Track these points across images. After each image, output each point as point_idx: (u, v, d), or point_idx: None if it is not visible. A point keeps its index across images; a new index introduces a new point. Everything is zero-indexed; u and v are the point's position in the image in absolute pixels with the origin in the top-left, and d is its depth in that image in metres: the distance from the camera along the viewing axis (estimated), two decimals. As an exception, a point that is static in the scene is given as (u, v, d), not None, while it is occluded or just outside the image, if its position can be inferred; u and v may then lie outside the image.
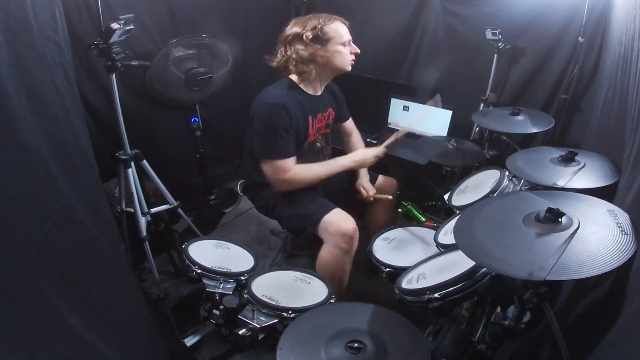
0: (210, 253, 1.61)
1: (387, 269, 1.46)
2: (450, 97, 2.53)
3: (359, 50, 1.67)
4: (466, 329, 1.37)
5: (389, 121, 2.68)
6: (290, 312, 1.29)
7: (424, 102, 2.47)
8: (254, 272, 1.51)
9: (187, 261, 1.50)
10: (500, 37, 2.11)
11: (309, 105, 1.67)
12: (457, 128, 2.38)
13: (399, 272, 1.38)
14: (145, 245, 1.82)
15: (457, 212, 1.55)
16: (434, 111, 2.41)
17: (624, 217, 0.89)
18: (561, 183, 1.22)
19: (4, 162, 0.74)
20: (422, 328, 1.40)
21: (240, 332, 1.30)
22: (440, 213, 2.40)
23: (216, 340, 1.74)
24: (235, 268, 1.53)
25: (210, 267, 1.49)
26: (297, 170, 1.65)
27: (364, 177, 1.92)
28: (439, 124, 2.42)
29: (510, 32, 2.15)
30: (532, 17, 2.15)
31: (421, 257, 1.40)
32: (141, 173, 1.88)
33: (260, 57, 1.71)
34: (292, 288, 1.45)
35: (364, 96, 2.62)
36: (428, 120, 2.47)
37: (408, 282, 1.28)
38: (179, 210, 2.06)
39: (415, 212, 2.33)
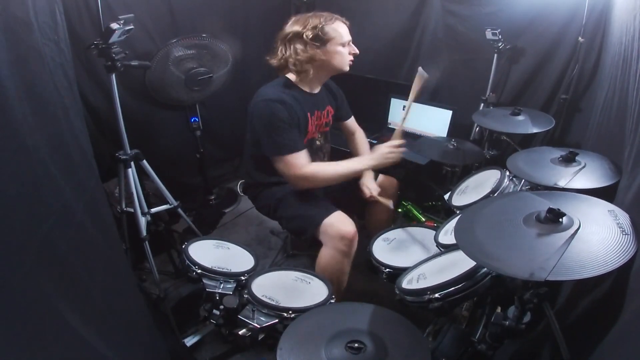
0: (210, 253, 1.61)
1: (387, 269, 1.46)
2: (450, 97, 2.53)
3: (357, 51, 1.67)
4: (466, 329, 1.37)
5: (389, 121, 2.68)
6: (290, 312, 1.29)
7: (424, 102, 2.48)
8: (254, 272, 1.51)
9: (187, 261, 1.50)
10: (500, 37, 2.11)
11: (306, 102, 1.66)
12: (457, 128, 2.38)
13: (399, 272, 1.38)
14: (145, 245, 1.82)
15: (458, 212, 1.55)
16: (432, 110, 2.41)
17: (624, 218, 0.89)
18: (562, 183, 1.22)
19: (4, 162, 0.73)
20: (422, 328, 1.40)
21: (240, 332, 1.30)
22: (440, 213, 2.40)
23: (216, 340, 1.74)
24: (235, 268, 1.53)
25: (210, 267, 1.49)
26: (315, 167, 1.62)
27: (368, 176, 1.89)
28: (439, 124, 2.42)
29: (510, 32, 2.15)
30: (532, 17, 2.15)
31: (421, 258, 1.40)
32: (141, 173, 1.88)
33: (260, 57, 1.71)
34: (292, 288, 1.45)
35: (364, 96, 2.62)
36: (429, 120, 2.47)
37: (408, 282, 1.28)
38: (179, 210, 2.06)
39: (415, 212, 2.33)
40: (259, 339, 1.31)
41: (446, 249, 1.36)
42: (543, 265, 0.77)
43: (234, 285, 1.47)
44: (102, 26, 1.91)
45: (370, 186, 1.85)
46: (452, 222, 1.50)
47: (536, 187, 1.33)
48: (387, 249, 1.61)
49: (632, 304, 0.80)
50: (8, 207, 0.73)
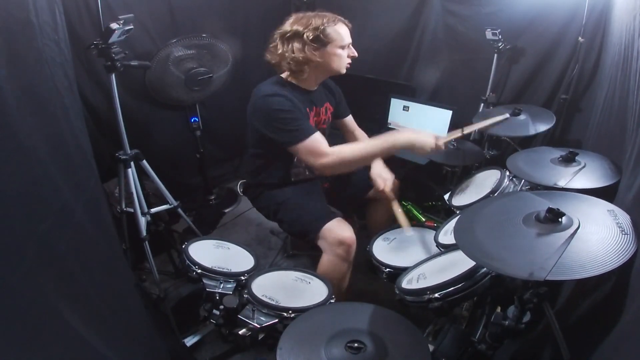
0: (210, 253, 1.61)
1: (387, 269, 1.46)
2: (450, 97, 2.53)
3: (356, 54, 1.66)
4: (466, 329, 1.37)
5: (389, 121, 2.68)
6: (290, 312, 1.29)
7: (424, 102, 2.48)
8: (254, 272, 1.51)
9: (187, 261, 1.50)
10: (500, 37, 2.11)
11: (304, 99, 1.65)
12: (457, 128, 2.37)
13: (399, 272, 1.38)
14: (145, 245, 1.82)
15: (457, 212, 1.55)
16: (432, 110, 2.41)
17: (624, 217, 0.89)
18: (561, 183, 1.22)
19: (2, 162, 0.74)
20: (422, 328, 1.40)
21: (240, 332, 1.30)
22: (440, 213, 2.40)
23: (216, 340, 1.74)
24: (235, 268, 1.53)
25: (210, 267, 1.49)
26: (340, 149, 1.53)
27: (379, 165, 1.81)
28: (439, 124, 2.41)
29: (510, 32, 2.15)
30: (532, 17, 2.15)
31: (421, 257, 1.40)
32: (141, 173, 1.88)
33: (260, 57, 1.71)
34: (292, 288, 1.45)
35: (364, 96, 2.62)
36: (429, 120, 2.47)
37: (408, 282, 1.28)
38: (179, 210, 2.06)
39: (415, 212, 2.33)
40: (259, 338, 1.31)
41: (446, 249, 1.36)
42: (543, 265, 0.77)
43: (234, 285, 1.47)
44: (102, 26, 1.91)
45: (385, 176, 1.77)
46: (452, 222, 1.50)
47: (536, 187, 1.33)
48: (387, 249, 1.61)
49: (633, 305, 0.80)
50: (7, 207, 0.73)
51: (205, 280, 1.46)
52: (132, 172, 1.78)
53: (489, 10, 2.25)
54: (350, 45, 1.64)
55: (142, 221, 1.82)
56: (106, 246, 1.22)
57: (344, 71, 1.66)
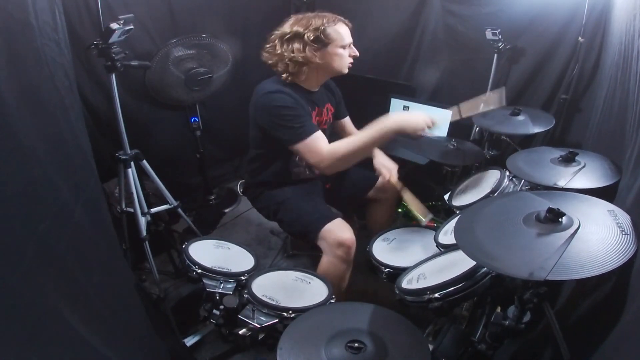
0: (210, 253, 1.61)
1: (387, 269, 1.46)
2: (450, 97, 2.52)
3: (358, 54, 1.65)
4: (466, 329, 1.37)
5: (389, 121, 2.67)
6: (290, 312, 1.29)
7: (424, 103, 2.47)
8: (254, 272, 1.51)
9: (187, 261, 1.50)
10: (500, 37, 2.11)
11: (306, 99, 1.64)
12: (457, 128, 2.37)
13: (399, 272, 1.38)
14: (145, 245, 1.82)
15: (457, 212, 1.55)
16: (432, 110, 2.41)
17: (624, 217, 0.89)
18: (561, 183, 1.22)
19: (1, 163, 0.74)
20: (422, 328, 1.40)
21: (240, 332, 1.30)
22: (440, 213, 2.40)
23: (216, 340, 1.73)
24: (235, 268, 1.53)
25: (210, 267, 1.49)
26: (334, 145, 1.52)
27: (381, 155, 1.82)
28: (439, 124, 2.41)
29: (510, 32, 2.15)
30: (532, 17, 2.15)
31: (421, 257, 1.40)
32: (141, 173, 1.88)
33: (260, 57, 1.71)
34: (292, 288, 1.45)
35: (364, 96, 2.62)
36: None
37: (408, 282, 1.28)
38: (179, 210, 2.06)
39: (415, 212, 2.33)
40: (259, 338, 1.31)
41: (446, 249, 1.36)
42: (543, 265, 0.77)
43: (234, 285, 1.47)
44: (102, 26, 1.91)
45: (388, 165, 1.78)
46: (452, 222, 1.50)
47: (536, 187, 1.33)
48: (387, 249, 1.61)
49: (633, 305, 0.80)
50: (6, 207, 0.73)
51: (205, 280, 1.46)
52: (132, 172, 1.78)
53: (489, 10, 2.25)
54: (352, 45, 1.64)
55: (142, 221, 1.82)
56: (106, 246, 1.22)
57: (346, 71, 1.66)
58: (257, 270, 1.54)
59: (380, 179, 1.95)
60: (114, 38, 1.54)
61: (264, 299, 1.34)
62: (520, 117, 1.87)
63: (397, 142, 2.50)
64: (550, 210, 0.88)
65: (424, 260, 1.37)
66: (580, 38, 2.01)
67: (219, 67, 2.26)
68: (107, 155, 1.91)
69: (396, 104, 2.61)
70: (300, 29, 1.54)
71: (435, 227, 1.69)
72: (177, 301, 1.87)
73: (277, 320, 1.30)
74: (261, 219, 1.98)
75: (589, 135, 1.71)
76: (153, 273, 1.87)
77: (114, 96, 1.65)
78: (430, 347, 1.20)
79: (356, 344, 1.02)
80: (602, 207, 0.95)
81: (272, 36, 1.62)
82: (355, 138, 1.53)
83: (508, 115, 1.89)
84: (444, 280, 1.12)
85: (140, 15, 2.06)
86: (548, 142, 2.22)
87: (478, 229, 0.95)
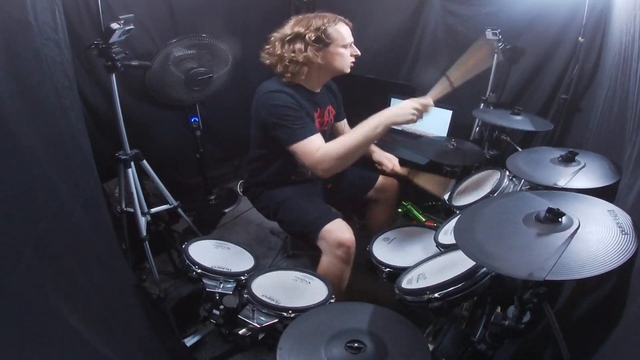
0: (210, 253, 1.61)
1: (387, 269, 1.46)
2: (450, 97, 2.51)
3: (359, 53, 1.66)
4: (466, 329, 1.37)
5: (389, 121, 2.67)
6: (290, 312, 1.29)
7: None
8: (254, 272, 1.51)
9: (187, 261, 1.50)
10: (500, 37, 2.11)
11: (308, 100, 1.65)
12: (457, 128, 2.37)
13: (399, 272, 1.38)
14: (145, 245, 1.82)
15: (457, 212, 1.55)
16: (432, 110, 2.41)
17: (624, 217, 0.89)
18: (561, 183, 1.22)
19: (-1, 162, 0.74)
20: (422, 328, 1.40)
21: (240, 332, 1.30)
22: (440, 213, 2.40)
23: (216, 340, 1.74)
24: (235, 268, 1.53)
25: (210, 267, 1.49)
26: (327, 147, 1.50)
27: (379, 150, 1.90)
28: (439, 124, 2.41)
29: (510, 32, 2.15)
30: (532, 17, 2.15)
31: (421, 257, 1.40)
32: (141, 173, 1.88)
33: (260, 57, 1.71)
34: (292, 288, 1.45)
35: (364, 96, 2.62)
36: (429, 120, 2.46)
37: (408, 282, 1.28)
38: (179, 210, 2.06)
39: (415, 212, 2.33)
40: (259, 338, 1.31)
41: (446, 249, 1.36)
42: (542, 265, 0.77)
43: (234, 285, 1.47)
44: (102, 26, 1.91)
45: (389, 156, 1.83)
46: (452, 222, 1.50)
47: (536, 187, 1.33)
48: (387, 249, 1.61)
49: (634, 305, 0.80)
50: (3, 207, 0.73)
51: (205, 280, 1.46)
52: (132, 172, 1.78)
53: (489, 10, 2.25)
54: (353, 44, 1.64)
55: (142, 221, 1.82)
56: (105, 246, 1.22)
57: (347, 70, 1.66)
58: (257, 270, 1.54)
59: (380, 179, 1.96)
60: (114, 38, 1.54)
61: (263, 299, 1.34)
62: (519, 117, 1.87)
63: (397, 142, 2.50)
64: (550, 210, 0.88)
65: (424, 260, 1.37)
66: (580, 38, 2.01)
67: (219, 67, 2.26)
68: (107, 155, 1.91)
69: (396, 103, 2.60)
70: (301, 30, 1.54)
71: (435, 227, 1.69)
72: (177, 301, 1.87)
73: (277, 320, 1.30)
74: (261, 218, 1.98)
75: (589, 135, 1.71)
76: (153, 273, 1.87)
77: (114, 96, 1.65)
78: (430, 347, 1.20)
79: (356, 344, 1.02)
80: (602, 207, 0.95)
81: (272, 38, 1.62)
82: (347, 137, 1.52)
83: (509, 114, 1.90)
84: (444, 280, 1.12)
85: (140, 15, 2.06)
86: (548, 142, 2.22)
87: (478, 229, 0.95)
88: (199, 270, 1.46)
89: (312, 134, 1.52)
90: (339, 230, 1.58)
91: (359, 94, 2.46)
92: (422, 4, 2.52)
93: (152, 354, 1.34)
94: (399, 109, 1.50)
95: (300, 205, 1.70)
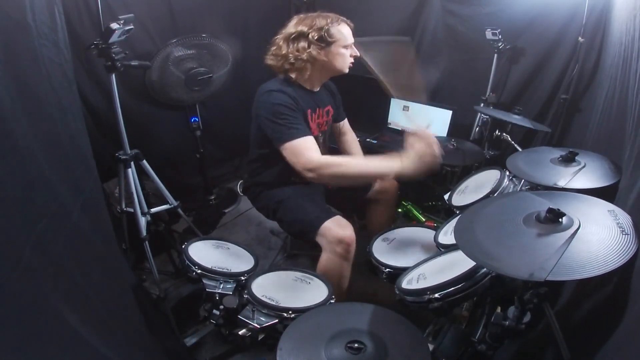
0: (210, 253, 1.61)
1: (387, 270, 1.46)
2: (450, 97, 2.53)
3: (358, 54, 1.67)
4: (466, 329, 1.37)
5: (389, 121, 2.68)
6: (290, 312, 1.29)
7: (424, 102, 2.47)
8: (254, 272, 1.51)
9: (187, 261, 1.50)
10: (500, 37, 2.11)
11: (307, 99, 1.66)
12: (457, 128, 2.38)
13: (399, 272, 1.38)
14: (145, 245, 1.82)
15: (457, 212, 1.55)
16: (432, 110, 2.42)
17: (624, 217, 0.89)
18: (561, 183, 1.22)
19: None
20: (422, 328, 1.40)
21: (240, 332, 1.30)
22: (440, 213, 2.40)
23: (216, 340, 1.73)
24: (235, 268, 1.53)
25: (210, 267, 1.48)
26: (328, 160, 1.49)
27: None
28: (439, 124, 2.41)
29: (510, 32, 2.15)
30: (532, 17, 2.15)
31: (421, 258, 1.40)
32: (141, 173, 1.88)
33: (260, 57, 1.71)
34: (292, 288, 1.45)
35: (364, 96, 2.62)
36: (429, 120, 2.47)
37: (408, 283, 1.28)
38: (179, 210, 2.06)
39: (415, 212, 2.33)
40: (259, 339, 1.31)
41: (446, 249, 1.36)
42: (543, 265, 0.77)
43: (234, 285, 1.47)
44: (102, 26, 1.91)
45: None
46: (452, 222, 1.50)
47: (536, 187, 1.33)
48: (387, 249, 1.61)
49: (636, 306, 0.80)
50: (2, 207, 0.73)
51: (205, 281, 1.46)
52: (132, 172, 1.78)
53: (489, 10, 2.25)
54: (353, 45, 1.65)
55: (142, 221, 1.82)
56: (104, 246, 1.22)
57: (346, 70, 1.68)
58: (257, 271, 1.53)
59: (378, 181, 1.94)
60: (114, 38, 1.54)
61: (263, 299, 1.34)
62: (519, 118, 1.87)
63: (397, 142, 2.50)
64: (550, 210, 0.87)
65: (424, 261, 1.36)
66: (580, 38, 2.01)
67: (219, 67, 2.26)
68: (107, 155, 1.91)
69: (396, 103, 2.61)
70: (305, 29, 1.57)
71: (435, 227, 1.69)
72: (177, 301, 1.87)
73: (277, 320, 1.30)
74: (261, 218, 1.98)
75: (589, 135, 1.71)
76: (153, 273, 1.87)
77: (114, 96, 1.65)
78: (430, 347, 1.20)
79: (356, 344, 1.02)
80: (602, 207, 0.95)
81: (277, 38, 1.64)
82: (353, 163, 1.53)
83: (509, 114, 1.90)
84: (444, 280, 1.12)
85: (140, 15, 2.05)
86: (548, 142, 2.22)
87: (478, 229, 0.95)
88: (199, 271, 1.46)
89: (305, 135, 1.53)
90: (338, 227, 1.58)
91: (359, 94, 2.46)
92: (422, 4, 2.52)
93: (152, 354, 1.34)
94: (414, 162, 1.42)
95: (299, 204, 1.70)
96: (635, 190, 0.97)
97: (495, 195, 1.44)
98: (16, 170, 0.79)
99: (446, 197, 1.67)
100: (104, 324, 1.03)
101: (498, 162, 1.94)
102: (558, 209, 0.87)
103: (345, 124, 2.02)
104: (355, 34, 1.66)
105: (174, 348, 1.58)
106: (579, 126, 2.04)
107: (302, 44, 1.57)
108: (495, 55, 2.19)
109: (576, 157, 1.34)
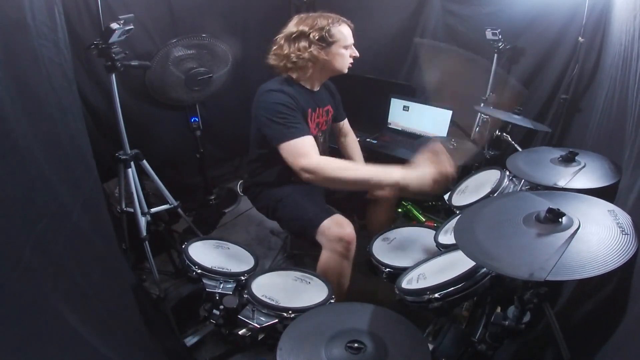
0: (210, 253, 1.61)
1: (387, 269, 1.46)
2: (450, 97, 2.53)
3: (358, 54, 1.68)
4: (466, 329, 1.37)
5: (389, 121, 2.68)
6: (290, 312, 1.29)
7: (424, 102, 2.48)
8: (254, 272, 1.51)
9: (187, 261, 1.50)
10: (500, 37, 2.11)
11: (307, 99, 1.67)
12: (457, 128, 2.37)
13: (399, 272, 1.38)
14: (145, 245, 1.82)
15: (457, 212, 1.55)
16: (432, 110, 2.42)
17: (624, 217, 0.89)
18: (561, 183, 1.22)
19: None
20: (422, 328, 1.40)
21: (240, 332, 1.30)
22: (440, 213, 2.40)
23: (216, 340, 1.73)
24: (235, 268, 1.53)
25: (210, 267, 1.48)
26: (324, 161, 1.48)
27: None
28: (439, 124, 2.42)
29: (510, 32, 2.15)
30: (532, 17, 2.15)
31: (421, 257, 1.40)
32: (141, 173, 1.88)
33: (260, 57, 1.72)
34: (292, 288, 1.45)
35: (364, 96, 2.62)
36: (429, 120, 2.47)
37: (408, 282, 1.28)
38: (179, 210, 2.06)
39: (415, 212, 2.33)
40: (259, 339, 1.31)
41: (446, 249, 1.36)
42: (543, 265, 0.77)
43: (234, 285, 1.47)
44: (102, 26, 1.91)
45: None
46: (452, 222, 1.50)
47: (536, 187, 1.33)
48: (387, 249, 1.61)
49: (636, 306, 0.80)
50: (2, 208, 0.73)
51: (205, 280, 1.46)
52: (132, 172, 1.78)
53: (489, 10, 2.25)
54: (352, 46, 1.66)
55: (142, 221, 1.82)
56: (104, 246, 1.22)
57: (346, 71, 1.69)
58: (257, 271, 1.53)
59: None
60: (114, 38, 1.54)
61: (263, 299, 1.34)
62: (519, 118, 1.87)
63: (397, 142, 2.50)
64: (550, 210, 0.87)
65: (424, 260, 1.36)
66: (580, 38, 2.01)
67: (219, 67, 2.26)
68: (107, 155, 1.91)
69: (396, 104, 2.61)
70: (306, 28, 1.57)
71: (435, 227, 1.69)
72: (177, 301, 1.87)
73: (277, 320, 1.30)
74: (261, 218, 1.98)
75: (589, 135, 1.71)
76: (153, 273, 1.87)
77: (114, 96, 1.65)
78: (430, 347, 1.20)
79: (356, 344, 1.02)
80: (602, 207, 0.95)
81: (278, 38, 1.64)
82: (353, 169, 1.52)
83: (509, 114, 1.90)
84: (444, 280, 1.12)
85: (140, 15, 2.06)
86: (548, 142, 2.22)
87: (478, 229, 0.95)
88: (199, 271, 1.46)
89: (304, 135, 1.53)
90: (338, 225, 1.58)
91: (359, 94, 2.47)
92: (422, 4, 2.52)
93: (152, 354, 1.34)
94: (419, 178, 1.37)
95: (299, 203, 1.70)
96: (635, 190, 0.97)
97: (495, 195, 1.44)
98: (16, 170, 0.79)
99: (446, 197, 1.67)
100: (104, 324, 1.03)
101: (498, 162, 1.94)
102: (558, 209, 0.87)
103: (345, 124, 2.03)
104: (355, 34, 1.67)
105: (174, 348, 1.58)
106: (579, 126, 2.04)
107: (303, 43, 1.58)
108: (495, 55, 2.19)
109: (576, 157, 1.34)
